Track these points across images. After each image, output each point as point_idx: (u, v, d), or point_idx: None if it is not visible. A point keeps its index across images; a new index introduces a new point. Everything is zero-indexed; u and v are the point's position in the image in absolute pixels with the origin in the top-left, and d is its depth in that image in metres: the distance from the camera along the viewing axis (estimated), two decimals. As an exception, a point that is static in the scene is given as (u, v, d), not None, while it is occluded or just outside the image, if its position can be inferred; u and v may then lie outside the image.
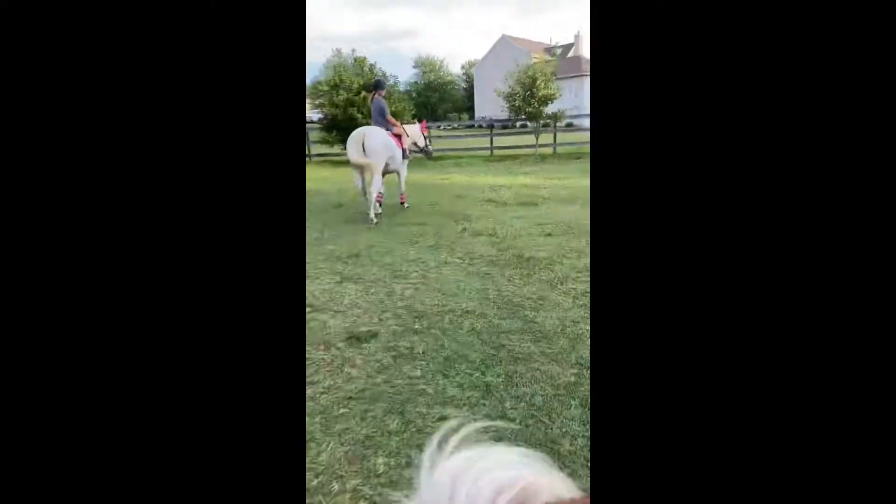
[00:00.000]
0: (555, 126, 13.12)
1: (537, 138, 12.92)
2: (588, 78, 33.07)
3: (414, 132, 6.36)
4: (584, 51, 40.00)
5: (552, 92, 12.12)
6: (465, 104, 45.89)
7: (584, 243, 4.00)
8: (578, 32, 40.44)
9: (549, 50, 39.72)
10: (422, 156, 7.36)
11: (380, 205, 5.49)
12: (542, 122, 12.63)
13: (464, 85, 49.50)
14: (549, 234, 4.42)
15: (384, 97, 6.05)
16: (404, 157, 5.86)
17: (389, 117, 5.92)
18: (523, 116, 12.57)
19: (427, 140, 6.57)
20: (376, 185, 5.23)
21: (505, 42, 38.03)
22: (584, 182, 7.82)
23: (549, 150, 13.06)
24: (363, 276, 3.45)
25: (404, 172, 6.01)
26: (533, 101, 12.09)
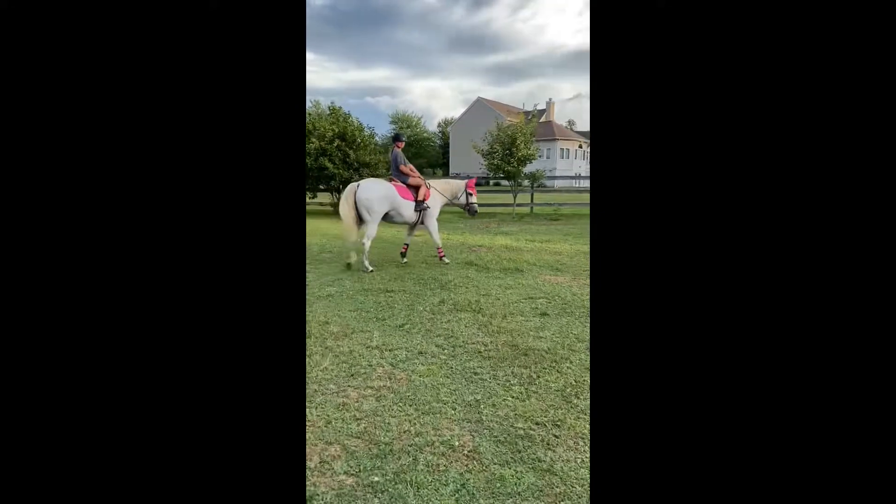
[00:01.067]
0: (532, 186, 12.86)
1: (515, 197, 12.55)
2: (559, 142, 34.47)
3: (454, 187, 6.11)
4: (555, 117, 41.92)
5: (531, 152, 11.92)
6: (440, 160, 46.63)
7: (587, 331, 3.25)
8: (550, 100, 42.65)
9: (526, 114, 41.41)
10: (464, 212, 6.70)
11: (403, 255, 5.93)
12: (520, 181, 12.33)
13: (439, 142, 50.59)
14: (545, 314, 3.65)
15: (399, 147, 5.95)
16: (418, 208, 5.59)
17: (403, 167, 5.71)
18: (501, 175, 12.24)
19: (470, 197, 5.99)
20: (369, 235, 5.29)
21: (480, 104, 39.33)
22: (568, 246, 7.25)
23: (525, 210, 12.71)
24: (306, 376, 2.54)
25: (431, 225, 5.77)
26: (512, 160, 11.82)
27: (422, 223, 5.75)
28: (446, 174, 37.51)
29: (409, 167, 5.75)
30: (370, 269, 5.27)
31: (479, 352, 2.88)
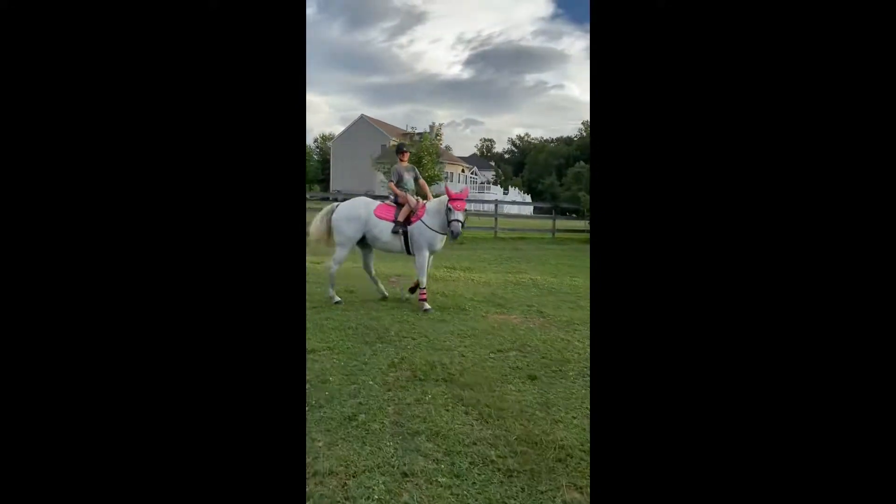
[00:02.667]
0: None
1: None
2: (445, 165, 35.06)
3: (434, 206, 4.55)
4: (471, 140, 42.55)
5: (438, 173, 11.31)
6: (319, 176, 44.06)
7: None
8: (433, 123, 43.45)
9: (408, 135, 41.40)
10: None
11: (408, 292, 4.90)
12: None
13: (317, 157, 47.92)
14: (533, 377, 2.82)
15: (403, 162, 4.91)
16: (395, 230, 4.52)
17: (392, 185, 4.77)
18: (404, 194, 11.37)
19: (451, 213, 4.30)
20: (335, 260, 4.62)
21: (364, 121, 38.09)
22: (494, 275, 6.64)
23: (428, 232, 11.96)
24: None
25: (417, 257, 4.55)
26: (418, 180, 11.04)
27: (410, 252, 4.59)
28: (326, 190, 35.37)
29: (394, 186, 4.75)
30: (336, 299, 4.52)
31: (492, 461, 1.90)
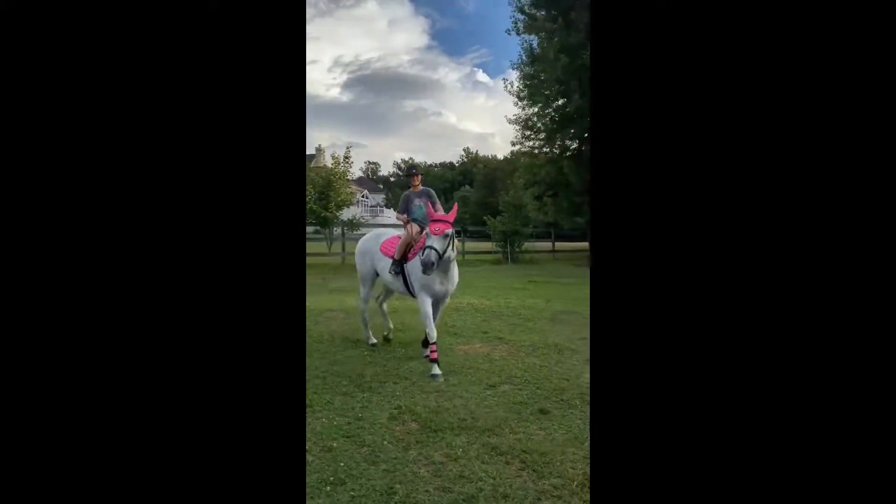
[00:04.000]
0: (343, 233, 11.62)
1: (330, 246, 11.07)
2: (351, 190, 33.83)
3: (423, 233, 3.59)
4: (327, 160, 41.31)
5: (348, 196, 10.83)
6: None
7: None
8: (319, 146, 42.03)
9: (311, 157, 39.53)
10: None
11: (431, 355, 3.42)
12: (335, 227, 10.98)
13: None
14: (544, 411, 2.72)
15: (415, 186, 4.09)
16: (392, 269, 3.73)
17: (399, 213, 4.07)
18: (313, 220, 10.62)
19: (429, 240, 3.27)
20: (359, 298, 4.21)
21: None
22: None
23: (338, 259, 11.32)
24: None
25: (420, 301, 3.54)
26: (330, 204, 10.42)
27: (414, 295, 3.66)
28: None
29: (399, 215, 4.04)
30: (372, 341, 4.07)
31: (571, 517, 1.74)
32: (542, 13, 15.47)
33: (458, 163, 53.74)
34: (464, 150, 57.68)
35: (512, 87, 16.86)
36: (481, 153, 52.93)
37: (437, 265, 3.20)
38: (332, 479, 1.94)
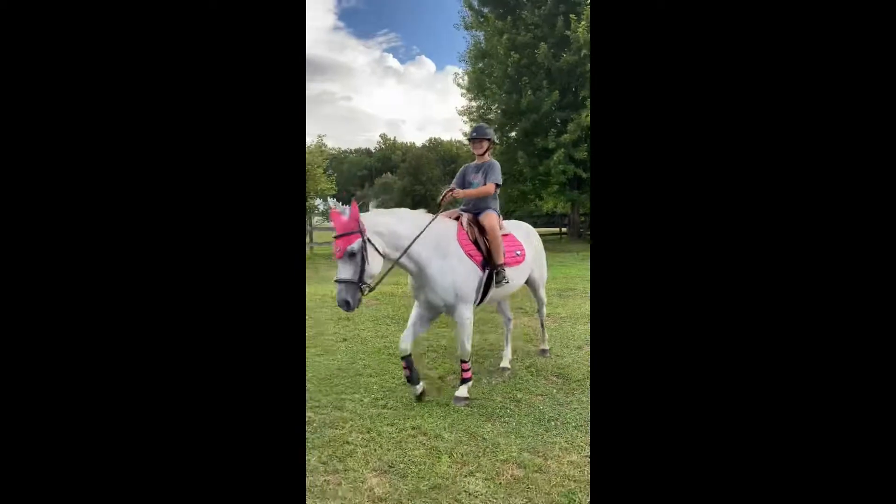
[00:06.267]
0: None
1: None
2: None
3: (438, 228, 2.77)
4: None
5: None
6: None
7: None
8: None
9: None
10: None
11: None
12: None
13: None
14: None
15: (483, 153, 3.05)
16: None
17: (449, 190, 2.98)
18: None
19: (338, 279, 2.39)
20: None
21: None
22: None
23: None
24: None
25: (462, 316, 2.73)
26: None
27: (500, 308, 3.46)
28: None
29: (454, 189, 2.99)
30: (506, 368, 3.26)
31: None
32: (489, 10, 16.17)
33: (375, 149, 51.37)
34: (381, 136, 55.69)
35: (459, 79, 17.52)
36: (393, 139, 51.00)
37: (352, 304, 2.32)
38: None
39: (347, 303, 2.33)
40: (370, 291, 2.45)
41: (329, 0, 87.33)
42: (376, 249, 2.42)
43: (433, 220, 2.72)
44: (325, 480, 1.95)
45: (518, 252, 3.06)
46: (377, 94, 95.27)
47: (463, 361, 2.81)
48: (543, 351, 3.59)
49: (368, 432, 2.37)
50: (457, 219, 2.91)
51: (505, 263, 2.86)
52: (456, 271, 2.67)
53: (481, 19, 16.37)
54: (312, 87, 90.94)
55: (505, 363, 3.31)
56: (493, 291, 2.86)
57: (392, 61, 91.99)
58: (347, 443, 2.26)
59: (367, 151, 51.81)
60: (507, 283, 2.85)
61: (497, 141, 3.49)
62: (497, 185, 2.98)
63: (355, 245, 2.33)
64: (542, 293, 3.59)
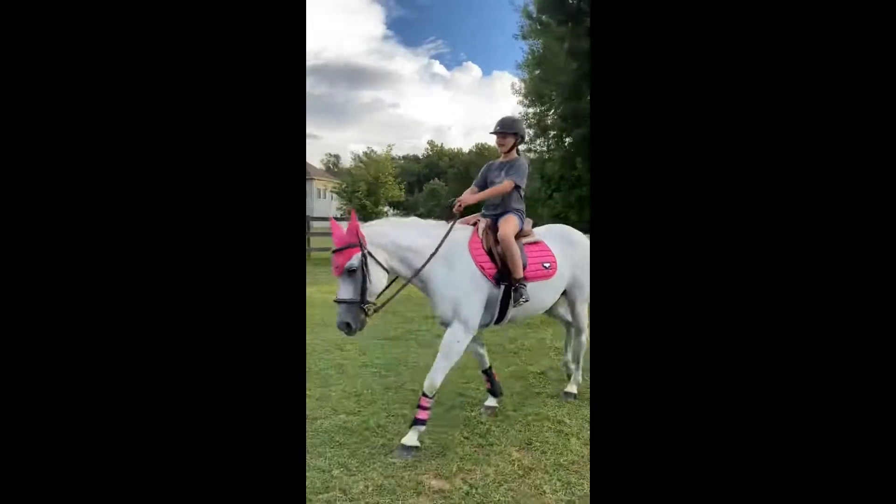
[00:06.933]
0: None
1: None
2: (315, 181, 33.40)
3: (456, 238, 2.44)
4: (312, 156, 40.03)
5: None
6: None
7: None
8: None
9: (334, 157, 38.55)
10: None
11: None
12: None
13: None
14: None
15: (509, 150, 2.66)
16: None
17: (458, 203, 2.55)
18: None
19: (338, 299, 2.15)
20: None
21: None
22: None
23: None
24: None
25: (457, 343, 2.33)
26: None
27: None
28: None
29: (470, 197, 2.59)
30: (571, 393, 2.88)
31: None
32: (547, 17, 16.35)
33: (422, 156, 51.55)
34: (428, 142, 56.11)
35: (516, 88, 17.79)
36: (440, 145, 51.33)
37: (354, 326, 2.10)
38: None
39: (349, 325, 2.09)
40: (375, 312, 2.18)
41: (380, 11, 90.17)
42: (379, 264, 2.15)
43: (448, 231, 2.34)
44: (473, 450, 2.26)
45: (547, 264, 2.53)
46: (424, 100, 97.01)
47: (424, 396, 2.23)
48: (567, 394, 2.85)
49: (497, 415, 2.66)
50: (474, 224, 2.53)
51: (527, 278, 2.39)
52: (459, 284, 2.27)
53: (540, 27, 16.57)
54: (364, 95, 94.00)
55: (572, 388, 2.88)
56: (513, 311, 2.43)
57: (439, 67, 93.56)
58: (481, 423, 2.56)
59: (415, 158, 52.52)
60: (527, 301, 2.38)
61: (525, 136, 2.72)
62: (517, 186, 2.54)
63: (354, 260, 2.08)
64: (584, 317, 2.80)
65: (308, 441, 2.27)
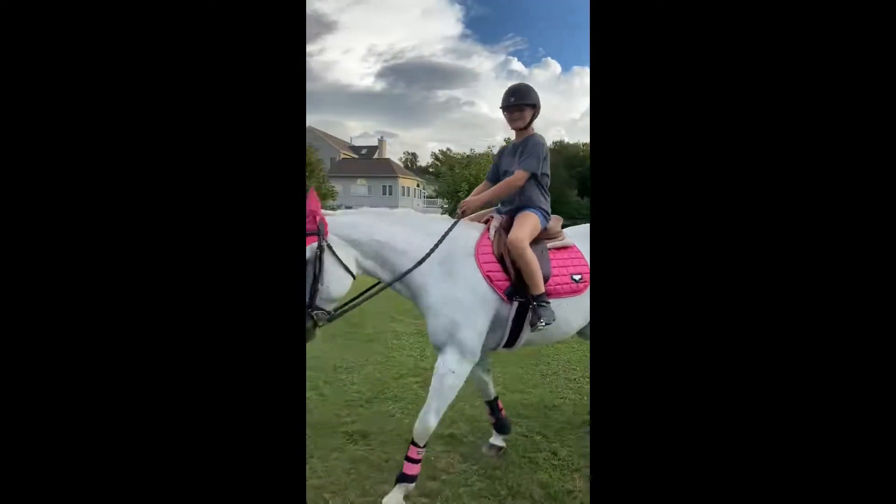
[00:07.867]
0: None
1: None
2: (399, 179, 34.44)
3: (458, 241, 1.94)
4: (390, 154, 41.96)
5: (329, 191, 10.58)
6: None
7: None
8: (381, 137, 42.75)
9: (354, 149, 40.51)
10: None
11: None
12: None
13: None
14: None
15: (525, 127, 2.12)
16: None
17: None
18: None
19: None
20: None
21: (311, 132, 36.88)
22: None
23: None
24: None
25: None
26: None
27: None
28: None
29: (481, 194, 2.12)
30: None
31: None
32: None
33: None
34: (505, 140, 55.62)
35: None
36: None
37: (322, 317, 1.69)
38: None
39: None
40: (331, 320, 1.69)
41: (458, 10, 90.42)
42: (339, 262, 1.68)
43: (450, 229, 1.84)
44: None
45: (578, 276, 1.95)
46: (497, 97, 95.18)
47: (413, 444, 1.77)
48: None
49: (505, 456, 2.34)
50: (486, 222, 2.00)
51: (550, 293, 1.84)
52: (459, 299, 1.76)
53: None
54: (440, 95, 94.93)
55: None
56: (529, 335, 1.87)
57: (517, 65, 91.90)
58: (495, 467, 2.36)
59: (492, 157, 51.66)
60: (549, 325, 1.78)
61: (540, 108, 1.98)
62: (533, 174, 1.96)
63: (308, 252, 1.63)
64: None
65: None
